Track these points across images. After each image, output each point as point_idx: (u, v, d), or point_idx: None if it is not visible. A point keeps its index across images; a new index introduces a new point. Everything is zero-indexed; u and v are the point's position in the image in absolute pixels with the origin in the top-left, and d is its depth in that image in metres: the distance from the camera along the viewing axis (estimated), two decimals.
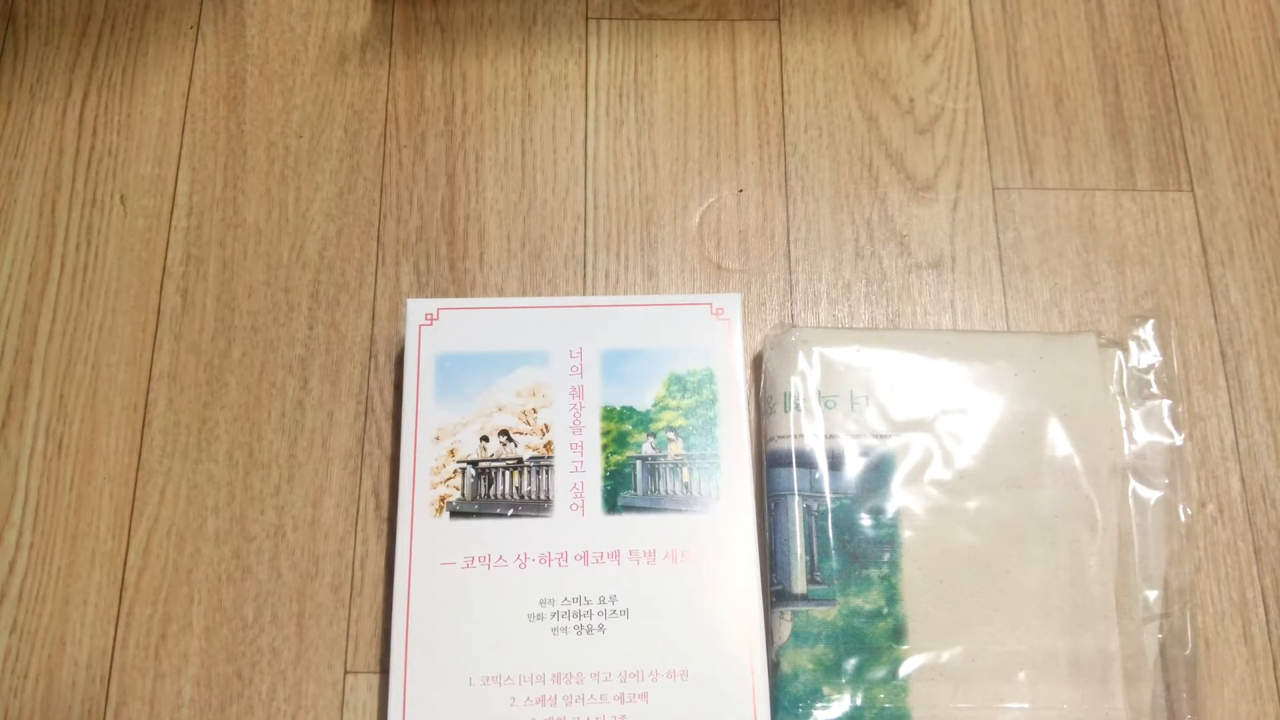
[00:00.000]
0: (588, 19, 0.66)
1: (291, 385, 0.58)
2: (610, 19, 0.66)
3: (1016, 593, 0.53)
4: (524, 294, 0.60)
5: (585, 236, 0.61)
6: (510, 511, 0.54)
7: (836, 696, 0.51)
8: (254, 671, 0.53)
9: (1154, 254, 0.62)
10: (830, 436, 0.55)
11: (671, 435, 0.55)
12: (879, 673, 0.51)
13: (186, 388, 0.58)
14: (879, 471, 0.54)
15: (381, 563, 0.55)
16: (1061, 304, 0.61)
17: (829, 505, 0.54)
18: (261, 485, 0.56)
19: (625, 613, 0.52)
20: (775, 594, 0.53)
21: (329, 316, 0.59)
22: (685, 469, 0.55)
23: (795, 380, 0.56)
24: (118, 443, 0.57)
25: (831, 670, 0.51)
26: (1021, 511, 0.54)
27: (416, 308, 0.57)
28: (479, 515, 0.54)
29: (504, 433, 0.55)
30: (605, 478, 0.54)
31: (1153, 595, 0.53)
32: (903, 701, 0.51)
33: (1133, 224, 0.62)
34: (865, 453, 0.55)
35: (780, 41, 0.66)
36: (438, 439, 0.55)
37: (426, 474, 0.54)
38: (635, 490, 0.54)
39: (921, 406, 0.55)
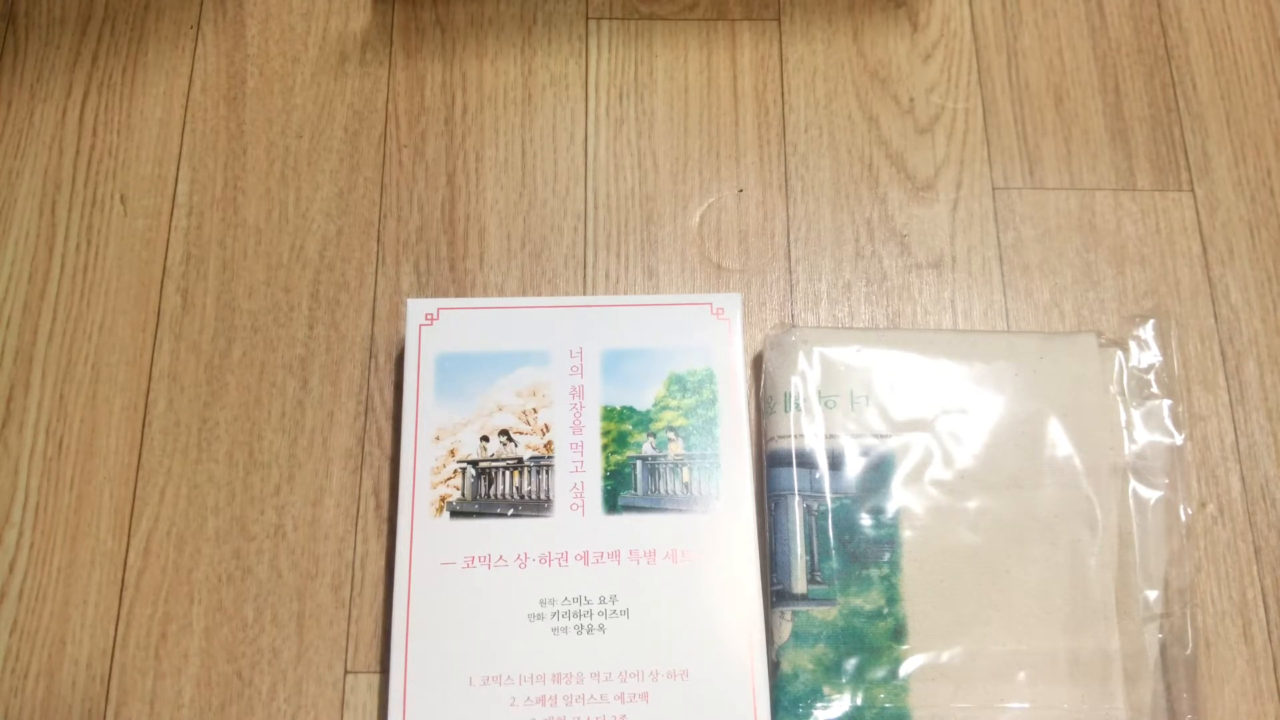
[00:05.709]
0: (588, 19, 0.66)
1: (291, 385, 0.58)
2: (610, 19, 0.66)
3: (1016, 593, 0.53)
4: (524, 294, 0.60)
5: (585, 236, 0.61)
6: (510, 511, 0.54)
7: (837, 696, 0.51)
8: (254, 671, 0.53)
9: (1154, 254, 0.62)
10: (830, 436, 0.55)
11: (672, 435, 0.55)
12: (879, 673, 0.51)
13: (186, 388, 0.58)
14: (879, 471, 0.54)
15: (381, 563, 0.55)
16: (1061, 304, 0.60)
17: (829, 505, 0.54)
18: (261, 485, 0.56)
19: (625, 613, 0.52)
20: (775, 594, 0.53)
21: (329, 316, 0.59)
22: (685, 469, 0.55)
23: (795, 380, 0.56)
24: (118, 443, 0.57)
25: (832, 670, 0.51)
26: (1021, 511, 0.54)
27: (416, 308, 0.57)
28: (479, 515, 0.54)
29: (504, 433, 0.55)
30: (605, 478, 0.54)
31: (1153, 595, 0.53)
32: (903, 701, 0.51)
33: (1133, 224, 0.62)
34: (865, 452, 0.55)
35: (780, 41, 0.66)
36: (438, 439, 0.55)
37: (426, 474, 0.54)
38: (635, 490, 0.54)
39: (922, 406, 0.55)
